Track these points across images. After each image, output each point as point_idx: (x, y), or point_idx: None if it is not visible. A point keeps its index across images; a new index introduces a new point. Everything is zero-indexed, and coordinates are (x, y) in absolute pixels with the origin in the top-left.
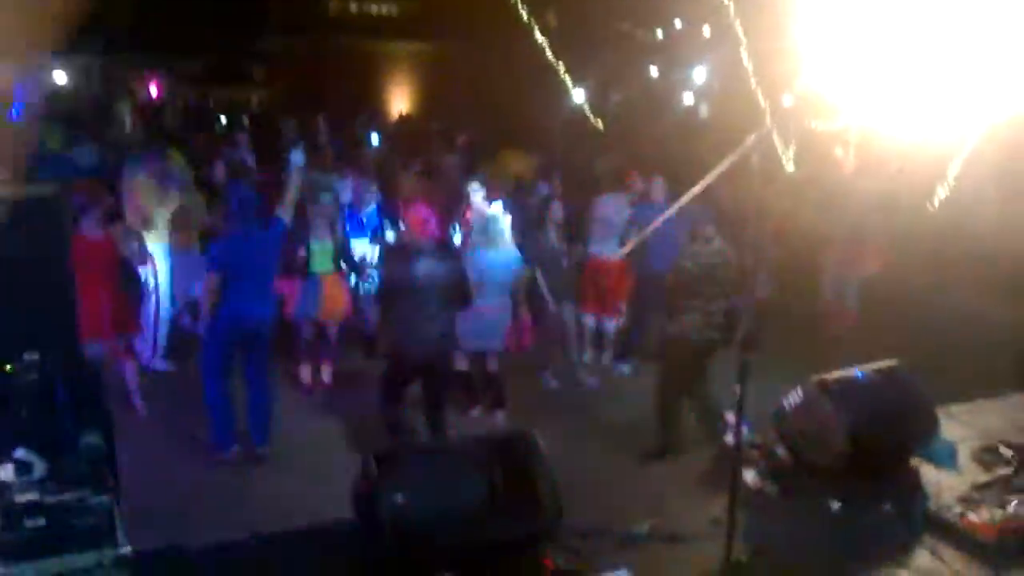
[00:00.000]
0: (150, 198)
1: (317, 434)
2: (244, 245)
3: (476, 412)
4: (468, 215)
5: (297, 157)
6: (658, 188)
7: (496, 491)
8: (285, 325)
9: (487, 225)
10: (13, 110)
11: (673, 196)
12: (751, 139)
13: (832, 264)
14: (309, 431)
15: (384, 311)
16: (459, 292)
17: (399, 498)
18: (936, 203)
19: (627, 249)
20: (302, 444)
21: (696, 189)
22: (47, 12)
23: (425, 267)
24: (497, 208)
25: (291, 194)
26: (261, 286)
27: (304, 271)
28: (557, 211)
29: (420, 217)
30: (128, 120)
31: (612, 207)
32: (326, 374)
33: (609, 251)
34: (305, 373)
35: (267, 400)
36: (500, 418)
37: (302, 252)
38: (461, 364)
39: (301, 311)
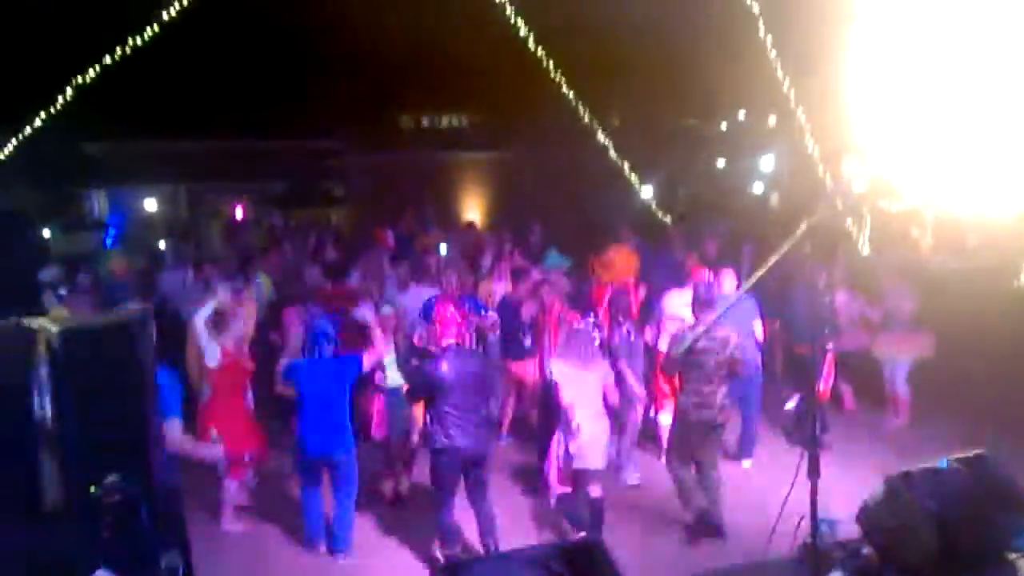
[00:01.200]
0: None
1: (397, 546)
2: (315, 374)
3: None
4: (556, 321)
5: (387, 310)
6: (727, 281)
7: None
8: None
9: (573, 339)
10: (107, 237)
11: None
12: (802, 227)
13: (883, 349)
14: (390, 543)
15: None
16: (490, 388)
17: None
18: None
19: (683, 347)
20: (386, 555)
21: (748, 283)
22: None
23: (451, 367)
24: (587, 323)
25: (379, 344)
26: (330, 418)
27: (383, 388)
28: (631, 305)
29: (445, 317)
30: (216, 240)
31: (680, 302)
32: (404, 486)
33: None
34: (388, 487)
35: (349, 515)
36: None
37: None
38: (564, 490)
39: (397, 429)
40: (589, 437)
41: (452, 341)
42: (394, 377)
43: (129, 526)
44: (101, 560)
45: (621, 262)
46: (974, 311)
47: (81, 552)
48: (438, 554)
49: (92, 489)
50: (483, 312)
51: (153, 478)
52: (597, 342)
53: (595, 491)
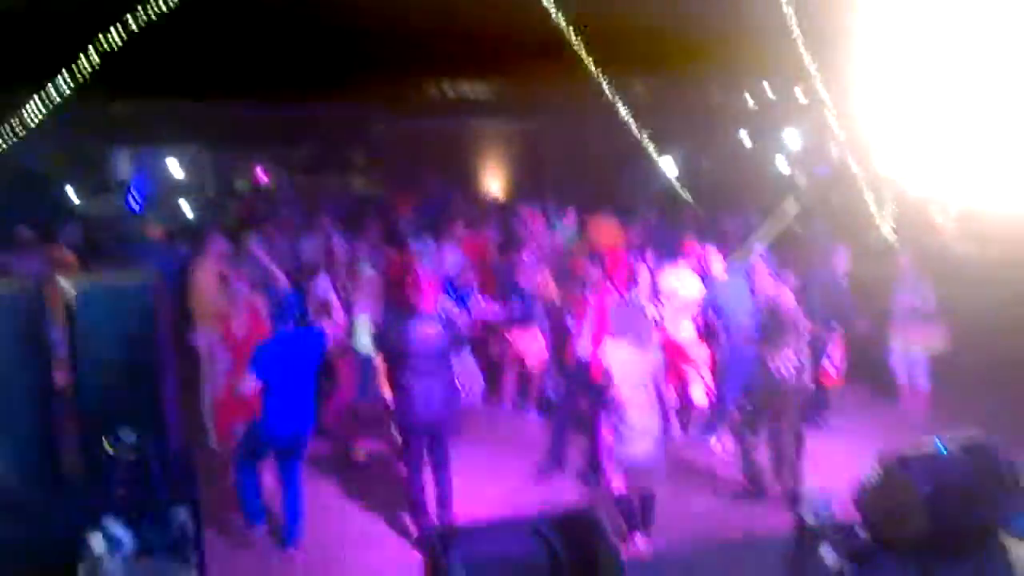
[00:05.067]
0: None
1: (390, 507)
2: (282, 350)
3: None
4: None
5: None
6: (712, 258)
7: (561, 568)
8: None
9: (629, 317)
10: (134, 202)
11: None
12: (787, 205)
13: (898, 339)
14: (382, 504)
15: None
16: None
17: (462, 573)
18: None
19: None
20: (376, 517)
21: (736, 256)
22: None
23: (421, 333)
24: (640, 295)
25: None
26: (298, 397)
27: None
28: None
29: (420, 286)
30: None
31: (676, 280)
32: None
33: (679, 329)
34: (360, 450)
35: (299, 503)
36: (640, 545)
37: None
38: (619, 485)
39: (361, 395)
40: (640, 428)
41: (424, 308)
42: (365, 342)
43: (141, 483)
44: (112, 513)
45: (604, 231)
46: (995, 301)
47: (94, 506)
48: (408, 521)
49: (106, 446)
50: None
51: (165, 437)
52: (650, 317)
53: (646, 482)
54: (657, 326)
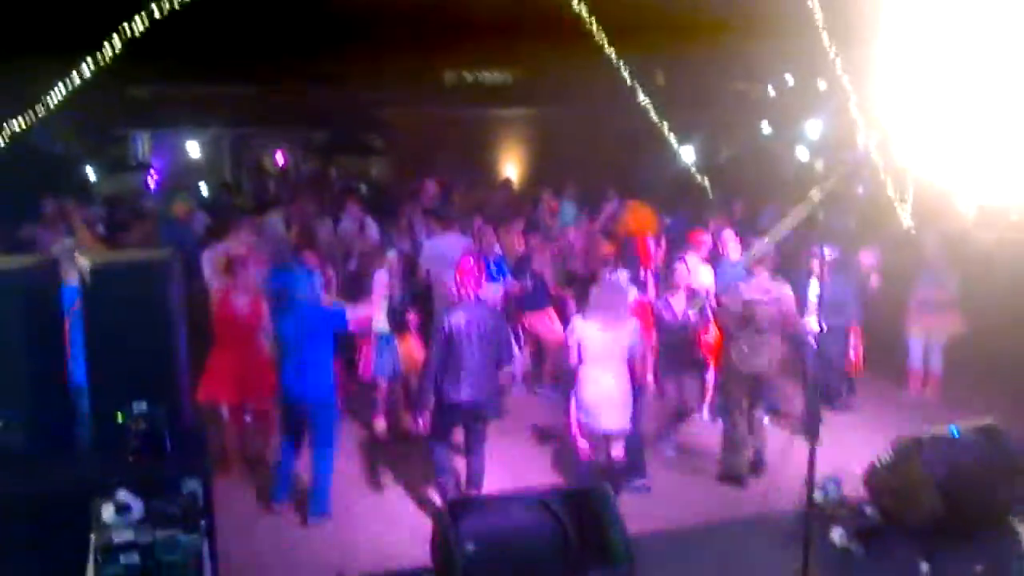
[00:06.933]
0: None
1: (403, 482)
2: (298, 321)
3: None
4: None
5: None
6: (728, 243)
7: (569, 542)
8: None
9: (606, 294)
10: (151, 181)
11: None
12: (813, 193)
13: (915, 326)
14: (394, 480)
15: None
16: (503, 347)
17: (471, 546)
18: None
19: (695, 312)
20: (389, 492)
21: (757, 250)
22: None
23: (465, 320)
24: (621, 276)
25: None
26: (311, 365)
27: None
28: (683, 274)
29: (464, 273)
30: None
31: (690, 270)
32: (408, 423)
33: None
34: (380, 426)
35: (325, 473)
36: (640, 484)
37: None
38: (586, 453)
39: (378, 370)
40: (603, 397)
41: (470, 293)
42: (383, 323)
43: (153, 452)
44: (123, 482)
45: (636, 218)
46: (1013, 288)
47: (107, 475)
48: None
49: (119, 416)
50: (502, 273)
51: (178, 409)
52: (631, 297)
53: (614, 450)
54: (665, 310)
